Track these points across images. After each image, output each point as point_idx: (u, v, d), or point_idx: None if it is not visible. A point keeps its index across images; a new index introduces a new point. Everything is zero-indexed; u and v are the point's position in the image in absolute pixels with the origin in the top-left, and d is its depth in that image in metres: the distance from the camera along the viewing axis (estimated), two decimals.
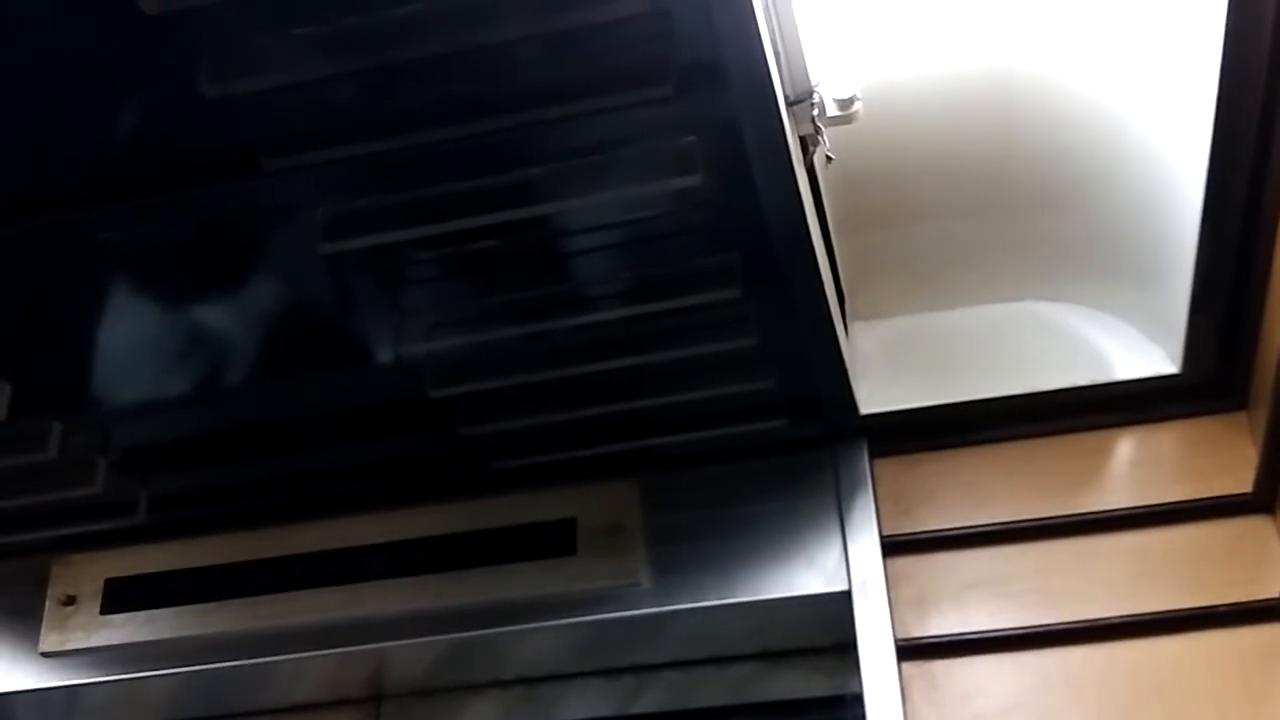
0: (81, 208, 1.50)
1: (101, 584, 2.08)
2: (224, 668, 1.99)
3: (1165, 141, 1.63)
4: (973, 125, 1.74)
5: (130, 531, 2.04)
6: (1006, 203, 1.84)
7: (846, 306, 1.94)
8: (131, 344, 1.78)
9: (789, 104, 1.43)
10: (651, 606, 1.88)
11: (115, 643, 2.03)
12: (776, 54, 1.37)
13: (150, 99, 1.36)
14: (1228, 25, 1.37)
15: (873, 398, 1.92)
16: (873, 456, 1.91)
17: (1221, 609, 1.70)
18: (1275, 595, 1.69)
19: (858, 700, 1.75)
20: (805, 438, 1.93)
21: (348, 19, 1.29)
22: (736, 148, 1.43)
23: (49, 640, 2.05)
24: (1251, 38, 1.38)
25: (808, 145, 1.55)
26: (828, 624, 1.84)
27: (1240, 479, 1.76)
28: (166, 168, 1.45)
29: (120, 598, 2.06)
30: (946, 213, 1.87)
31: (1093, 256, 1.88)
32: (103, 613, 2.05)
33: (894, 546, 1.84)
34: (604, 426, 1.89)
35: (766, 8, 1.32)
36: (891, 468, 1.91)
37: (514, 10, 1.28)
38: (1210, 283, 1.66)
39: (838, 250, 1.85)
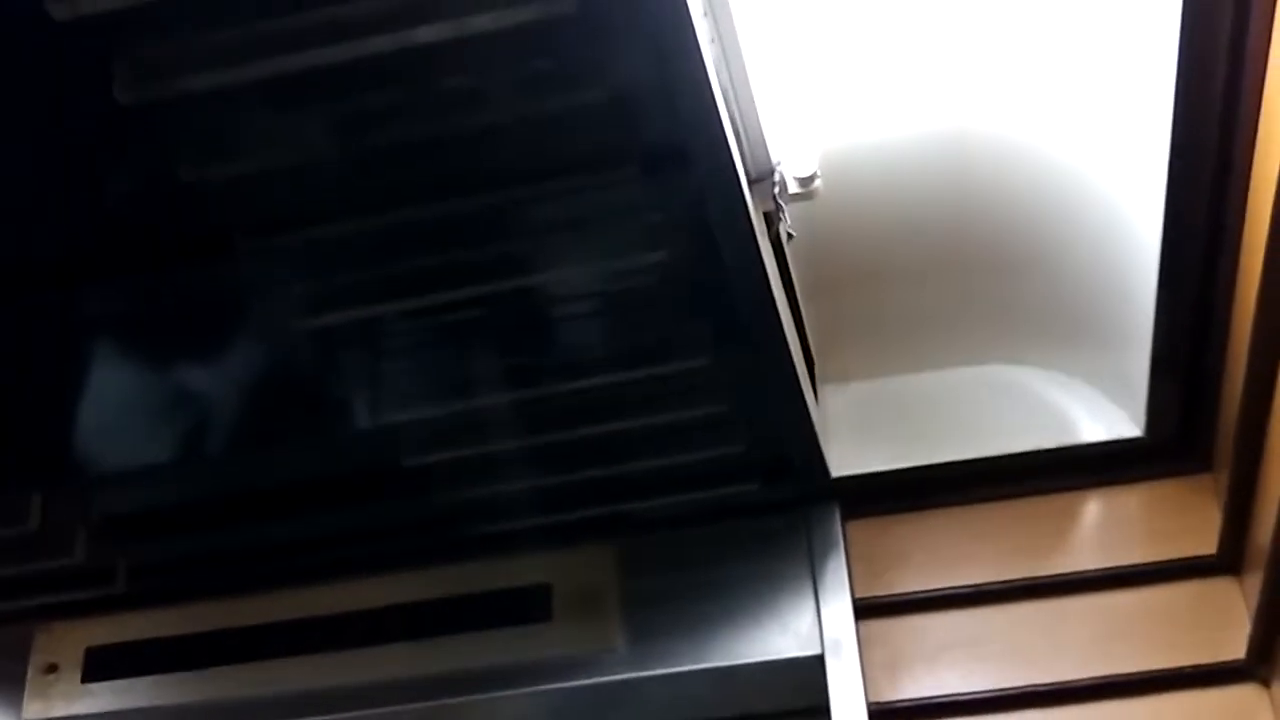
0: (62, 288, 1.52)
1: (82, 652, 2.08)
2: None
3: (1124, 203, 1.66)
4: (932, 191, 1.76)
5: (110, 600, 2.05)
6: (969, 267, 1.87)
7: (816, 370, 1.97)
8: (112, 415, 1.79)
9: (751, 182, 1.47)
10: (627, 672, 1.89)
11: (97, 711, 2.03)
12: (737, 135, 1.41)
13: (127, 183, 1.38)
14: (1177, 89, 1.39)
15: (844, 460, 1.94)
16: (845, 519, 1.93)
17: (1188, 670, 1.72)
18: (1241, 656, 1.71)
19: None
20: (778, 501, 1.94)
21: (321, 105, 1.32)
22: (702, 224, 1.46)
23: (32, 709, 2.05)
24: (1202, 101, 1.40)
25: (772, 219, 1.58)
26: (801, 688, 1.85)
27: (1205, 540, 1.79)
28: (145, 249, 1.47)
29: (101, 666, 2.07)
30: (911, 278, 1.90)
31: (1055, 320, 1.91)
32: (84, 681, 2.06)
33: (866, 609, 1.85)
34: (579, 492, 1.91)
35: (726, 92, 1.36)
36: (864, 530, 1.93)
37: (485, 96, 1.32)
38: (1170, 345, 1.69)
39: (806, 316, 1.89)
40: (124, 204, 1.41)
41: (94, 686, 2.05)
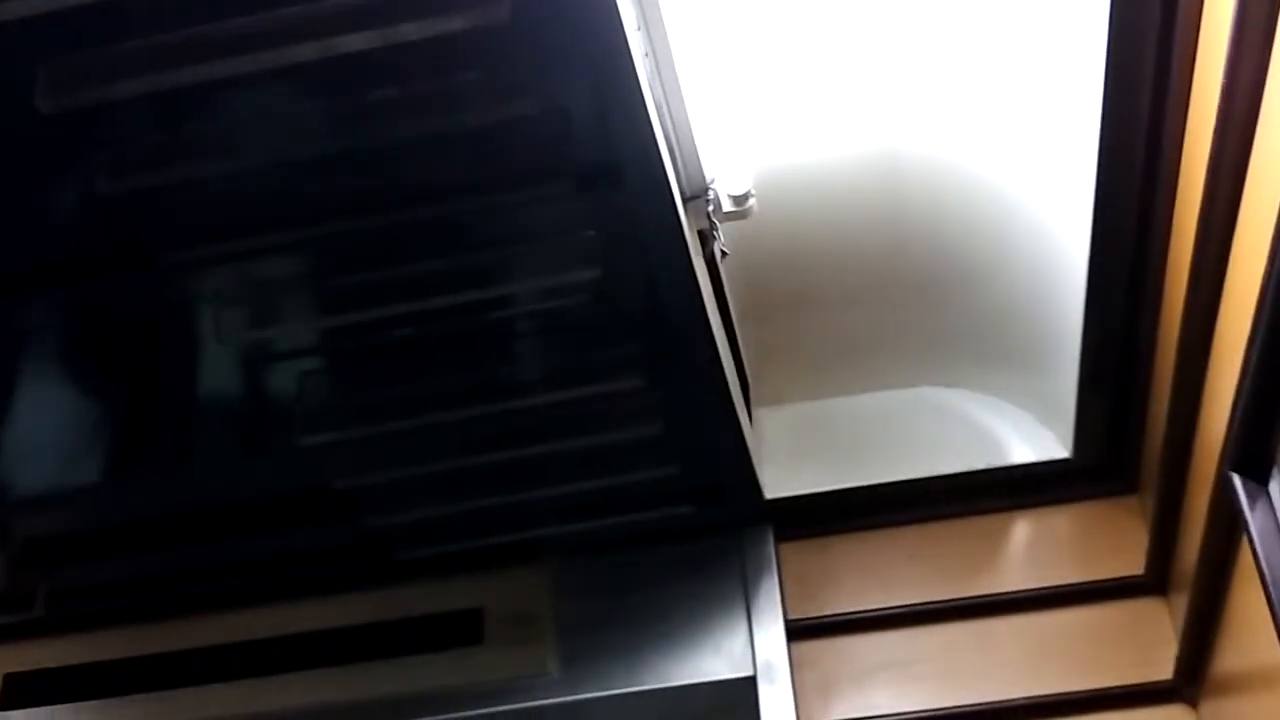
0: None
1: (0, 679, 2.03)
2: None
3: (1053, 227, 1.68)
4: (865, 215, 1.78)
5: (29, 626, 2.01)
6: (901, 292, 1.89)
7: (750, 393, 1.98)
8: (31, 437, 1.76)
9: (685, 200, 1.47)
10: (560, 695, 1.87)
11: None
12: (671, 153, 1.41)
13: (47, 196, 1.36)
14: (1104, 113, 1.41)
15: (778, 482, 1.94)
16: (778, 540, 1.93)
17: (1116, 690, 1.74)
18: (1168, 677, 1.72)
19: None
20: (712, 523, 1.94)
21: (243, 118, 1.30)
22: (636, 242, 1.46)
23: None
24: (1128, 127, 1.43)
25: (706, 238, 1.58)
26: (734, 709, 1.84)
27: (1132, 561, 1.81)
28: (63, 263, 1.44)
29: (20, 693, 2.02)
30: (844, 301, 1.91)
31: (985, 343, 1.93)
32: (2, 709, 2.00)
33: (799, 631, 1.85)
34: (512, 514, 1.90)
35: (660, 107, 1.36)
36: (796, 552, 1.93)
37: (415, 107, 1.30)
38: (1097, 369, 1.71)
39: (741, 338, 1.89)
40: (41, 216, 1.38)
41: (13, 714, 2.00)
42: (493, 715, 1.88)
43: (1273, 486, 1.32)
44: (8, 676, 2.03)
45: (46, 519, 1.91)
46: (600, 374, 1.66)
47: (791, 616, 1.86)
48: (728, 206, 1.52)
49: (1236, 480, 1.34)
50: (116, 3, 1.14)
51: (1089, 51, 1.38)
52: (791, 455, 1.98)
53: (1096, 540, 1.84)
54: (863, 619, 1.85)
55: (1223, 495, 1.39)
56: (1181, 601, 1.67)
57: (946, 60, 1.60)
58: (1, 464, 1.79)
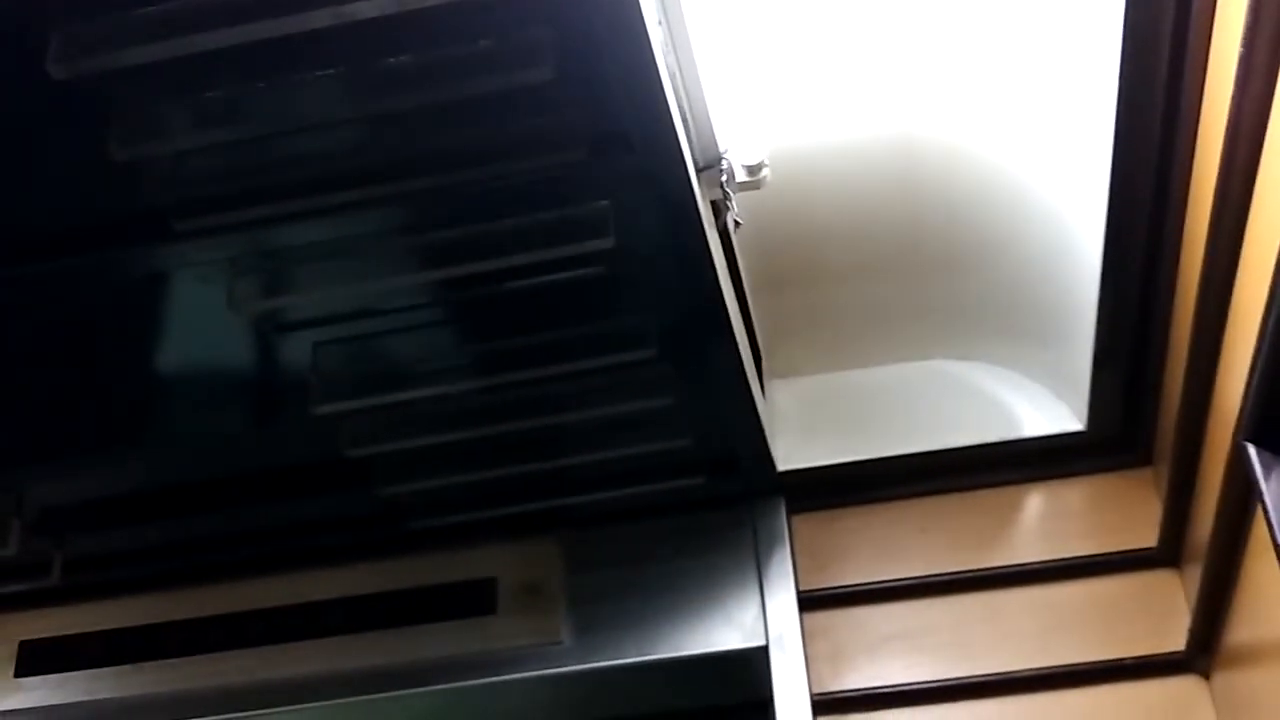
0: None
1: (15, 646, 2.05)
2: None
3: (1066, 204, 1.68)
4: (880, 191, 1.77)
5: (44, 593, 2.02)
6: (915, 264, 1.88)
7: (764, 365, 1.97)
8: (45, 405, 1.76)
9: (698, 170, 1.46)
10: (572, 665, 1.88)
11: (29, 706, 1.99)
12: (685, 122, 1.40)
13: (59, 163, 1.35)
14: (1120, 93, 1.41)
15: (790, 455, 1.95)
16: (790, 513, 1.93)
17: (1129, 662, 1.74)
18: (1180, 648, 1.72)
19: None
20: (724, 495, 1.94)
21: (257, 84, 1.30)
22: (649, 211, 1.45)
23: None
24: (1143, 105, 1.43)
25: (719, 209, 1.58)
26: (746, 680, 1.85)
27: (1145, 534, 1.80)
28: (77, 231, 1.44)
29: (34, 661, 2.03)
30: (858, 274, 1.91)
31: (1000, 316, 1.92)
32: (16, 675, 2.02)
33: (810, 602, 1.86)
34: (524, 485, 1.90)
35: (674, 77, 1.35)
36: (808, 524, 1.93)
37: (427, 75, 1.30)
38: (1111, 341, 1.71)
39: (754, 310, 1.88)
40: (54, 184, 1.38)
41: (27, 681, 2.02)
42: (505, 683, 1.89)
43: None
44: (23, 644, 2.04)
45: (62, 487, 1.92)
46: (613, 345, 1.65)
47: (803, 587, 1.87)
48: (741, 176, 1.51)
49: (1251, 450, 1.34)
50: None
51: (1106, 38, 1.38)
52: (804, 427, 1.98)
53: (1110, 513, 1.84)
54: (875, 590, 1.85)
55: (1237, 465, 1.38)
56: (1195, 573, 1.67)
57: (962, 44, 1.59)
58: (17, 432, 1.80)
